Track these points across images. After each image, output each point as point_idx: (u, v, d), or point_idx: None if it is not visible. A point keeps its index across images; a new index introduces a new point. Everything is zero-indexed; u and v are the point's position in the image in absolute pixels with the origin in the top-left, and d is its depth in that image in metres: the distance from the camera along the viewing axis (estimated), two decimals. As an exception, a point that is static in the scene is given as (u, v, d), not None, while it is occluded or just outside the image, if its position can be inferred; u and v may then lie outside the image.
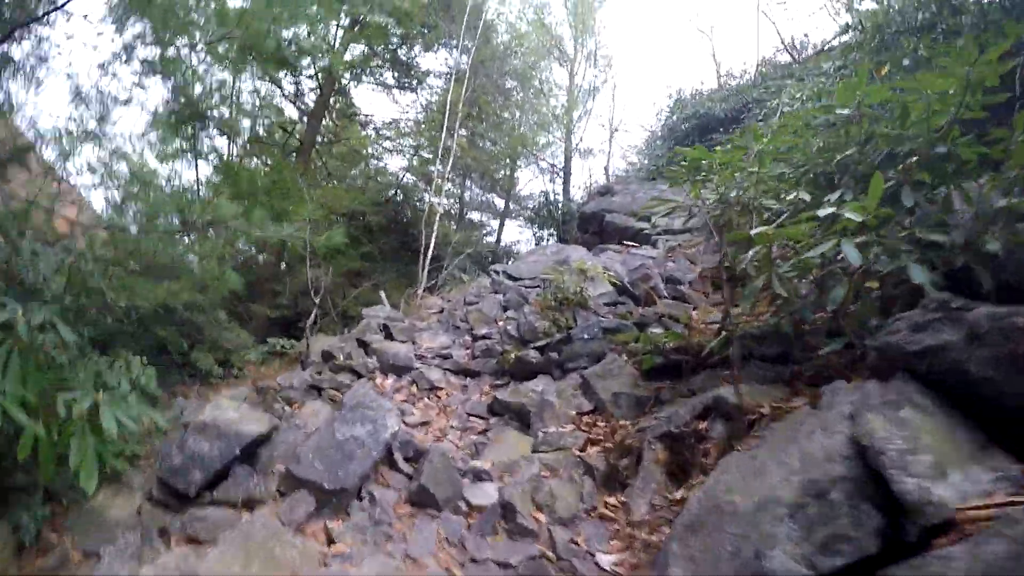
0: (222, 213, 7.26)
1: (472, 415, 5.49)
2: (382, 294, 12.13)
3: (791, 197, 4.66)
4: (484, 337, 7.66)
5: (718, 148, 4.93)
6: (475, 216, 22.89)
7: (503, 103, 18.90)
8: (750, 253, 3.95)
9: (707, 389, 4.65)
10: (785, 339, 4.71)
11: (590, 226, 15.95)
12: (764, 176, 4.65)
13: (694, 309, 7.43)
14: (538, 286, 10.15)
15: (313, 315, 8.79)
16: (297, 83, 16.60)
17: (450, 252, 15.15)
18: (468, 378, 6.59)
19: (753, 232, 3.76)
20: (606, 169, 21.63)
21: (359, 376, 6.22)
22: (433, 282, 13.05)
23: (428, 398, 6.06)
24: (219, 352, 10.25)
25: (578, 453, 4.49)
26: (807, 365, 4.56)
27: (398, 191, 14.67)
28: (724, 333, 4.84)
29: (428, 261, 12.50)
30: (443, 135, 13.06)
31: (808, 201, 4.65)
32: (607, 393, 5.05)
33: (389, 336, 7.49)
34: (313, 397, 5.57)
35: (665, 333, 5.10)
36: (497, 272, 11.33)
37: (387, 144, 15.56)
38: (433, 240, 12.63)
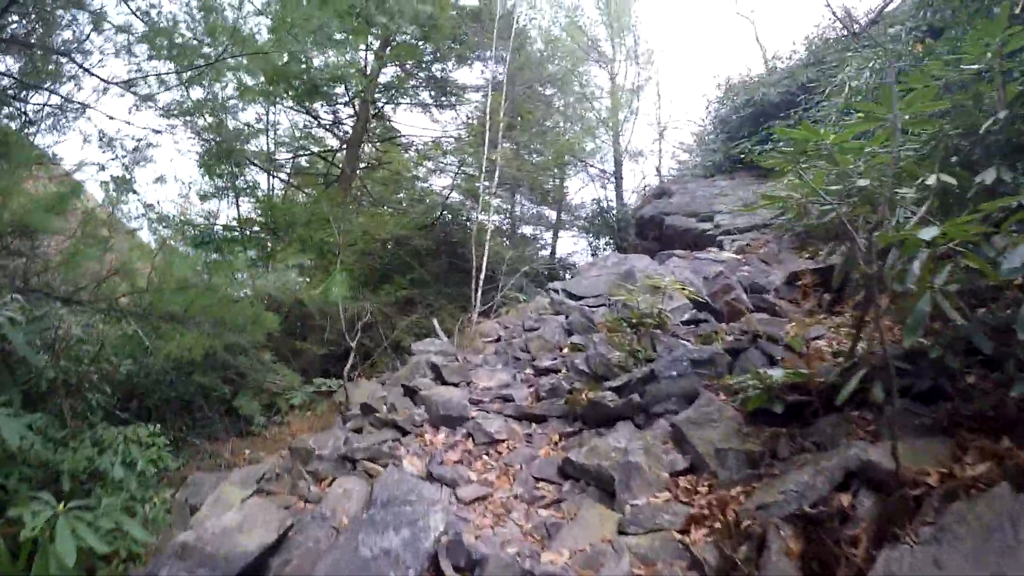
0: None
1: (540, 479, 4.46)
2: (435, 323, 11.26)
3: (929, 181, 3.52)
4: (548, 371, 6.64)
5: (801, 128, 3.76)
6: (527, 231, 21.99)
7: (545, 111, 17.95)
8: (915, 263, 2.82)
9: (837, 440, 3.53)
10: (939, 369, 3.56)
11: (649, 231, 14.79)
12: (901, 155, 3.53)
13: (789, 323, 6.25)
14: (603, 304, 9.07)
15: (351, 360, 7.94)
16: (335, 111, 16.04)
17: (504, 271, 14.23)
18: (533, 424, 5.57)
19: (922, 233, 2.65)
20: (658, 170, 20.43)
21: (404, 433, 5.28)
22: (488, 305, 12.11)
23: (487, 454, 5.07)
24: (264, 396, 9.58)
25: (679, 536, 3.41)
26: (967, 404, 3.41)
27: (443, 211, 13.76)
28: (855, 363, 3.72)
29: (481, 282, 11.57)
30: (485, 148, 12.16)
31: (955, 185, 3.50)
32: (706, 446, 3.97)
33: (439, 378, 6.55)
34: (346, 470, 4.64)
35: (786, 373, 3.96)
36: (556, 291, 10.31)
37: (430, 164, 14.75)
38: (485, 260, 11.70)
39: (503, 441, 5.19)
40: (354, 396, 6.39)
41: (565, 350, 7.46)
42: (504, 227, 20.37)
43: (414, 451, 4.96)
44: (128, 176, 12.20)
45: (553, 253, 21.71)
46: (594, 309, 8.81)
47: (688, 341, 6.17)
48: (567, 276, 21.81)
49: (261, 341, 9.54)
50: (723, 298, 7.04)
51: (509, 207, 20.86)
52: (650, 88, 23.66)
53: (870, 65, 11.05)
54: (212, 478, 5.01)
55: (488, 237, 11.86)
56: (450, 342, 10.09)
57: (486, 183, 12.65)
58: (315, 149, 16.52)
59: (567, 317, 8.65)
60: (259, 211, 12.54)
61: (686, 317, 6.93)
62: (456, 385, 6.42)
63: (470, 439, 5.27)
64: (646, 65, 21.76)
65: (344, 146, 15.57)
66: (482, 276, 11.52)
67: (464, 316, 11.33)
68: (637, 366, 5.33)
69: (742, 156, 14.66)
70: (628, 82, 21.42)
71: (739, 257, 12.03)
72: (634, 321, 5.97)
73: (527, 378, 6.79)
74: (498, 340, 8.85)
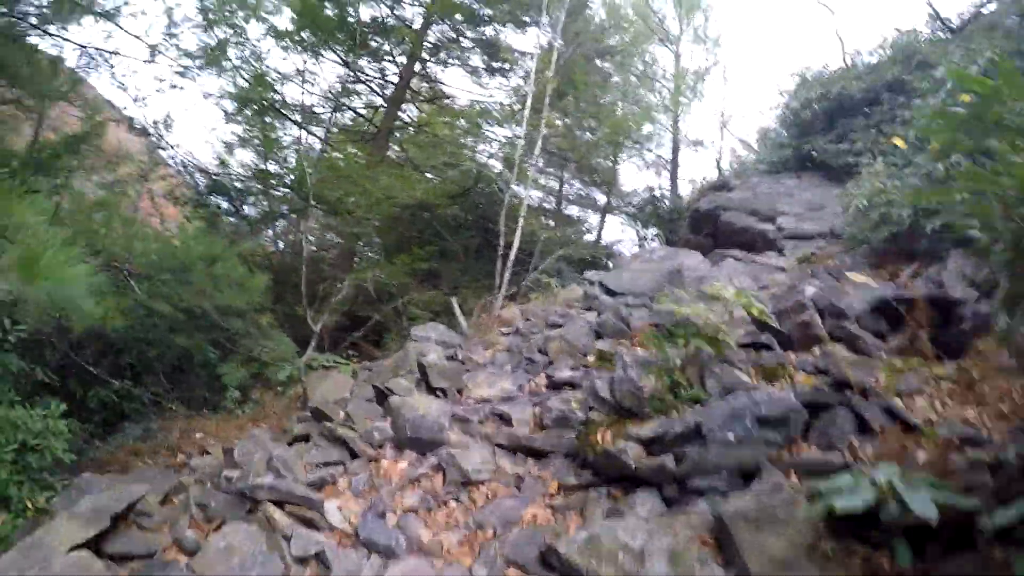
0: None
1: (513, 564, 3.03)
2: (454, 302, 9.91)
3: None
4: (564, 385, 5.19)
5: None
6: (574, 212, 20.39)
7: (601, 86, 16.17)
8: None
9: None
10: None
11: (703, 226, 13.07)
12: None
13: (876, 364, 4.64)
14: (644, 305, 7.56)
15: (311, 345, 6.68)
16: (382, 69, 14.65)
17: (539, 252, 12.77)
18: (529, 460, 4.15)
19: None
20: (717, 163, 18.50)
21: (354, 455, 3.93)
22: (515, 289, 10.66)
23: (458, 500, 3.67)
24: (253, 365, 8.43)
25: None
26: None
27: (479, 180, 12.20)
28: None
29: (511, 262, 10.12)
30: (526, 112, 10.59)
31: None
32: (763, 561, 2.50)
33: (425, 380, 5.16)
34: (242, 512, 3.30)
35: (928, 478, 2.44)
36: (592, 282, 8.79)
37: (466, 127, 13.21)
38: (518, 237, 10.23)
39: (482, 484, 3.78)
40: (321, 389, 5.03)
41: (590, 358, 5.98)
42: (546, 204, 18.88)
43: (357, 486, 3.62)
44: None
45: (598, 239, 20.12)
46: (632, 309, 7.29)
47: (744, 370, 4.63)
48: (609, 264, 20.21)
49: (257, 303, 8.42)
50: (793, 319, 5.43)
51: (557, 184, 19.30)
52: (716, 74, 21.46)
53: (980, 59, 9.07)
54: (103, 482, 3.74)
55: (523, 212, 10.36)
56: (466, 326, 8.75)
57: (524, 151, 11.11)
58: (356, 106, 15.25)
59: (599, 315, 7.18)
60: (279, 164, 11.30)
61: (743, 336, 5.36)
62: (442, 393, 5.03)
63: (440, 474, 3.88)
64: (714, 49, 19.68)
65: (384, 105, 14.25)
66: (512, 255, 10.07)
67: (488, 297, 9.92)
68: (678, 408, 3.81)
69: (814, 153, 12.81)
70: (693, 65, 19.41)
71: (804, 267, 10.30)
72: (681, 342, 4.42)
73: (535, 391, 5.34)
74: (516, 333, 7.43)
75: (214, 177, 11.49)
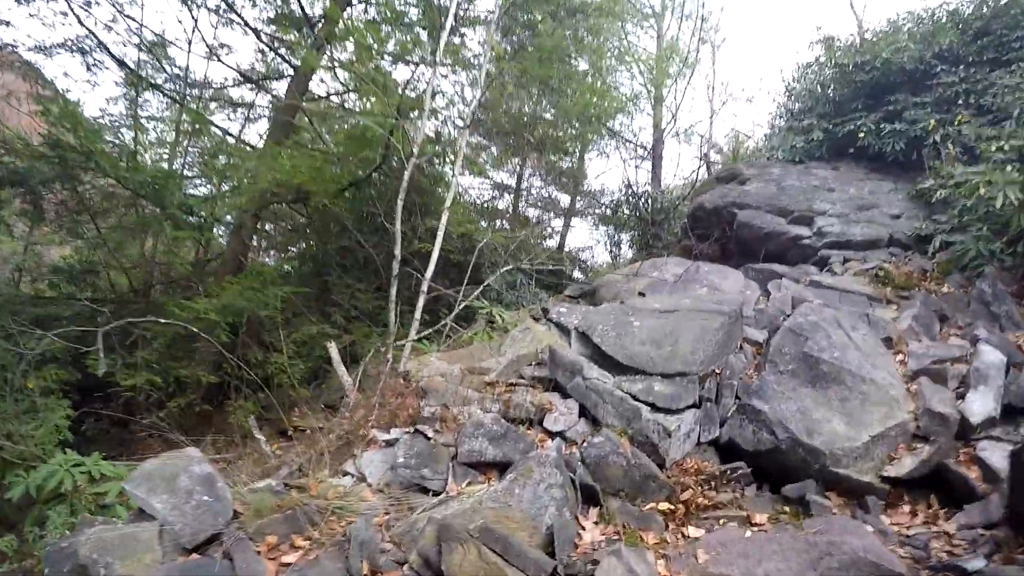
0: None
1: None
2: (332, 349, 5.63)
3: None
4: None
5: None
6: (532, 214, 16.25)
7: (568, 59, 11.98)
8: None
9: None
10: None
11: (710, 230, 9.02)
12: None
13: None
14: (693, 402, 3.48)
15: None
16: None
17: (487, 261, 8.56)
18: None
19: None
20: (706, 155, 14.44)
21: None
22: (444, 323, 6.35)
23: None
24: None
25: None
26: None
27: (386, 157, 7.58)
28: None
29: (427, 281, 5.86)
30: (442, 41, 6.21)
31: None
32: None
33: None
34: None
35: None
36: (564, 326, 4.60)
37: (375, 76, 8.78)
38: (439, 242, 5.96)
39: None
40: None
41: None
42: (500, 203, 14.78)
43: None
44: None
45: (561, 246, 15.99)
46: (667, 418, 3.22)
47: None
48: (576, 272, 16.07)
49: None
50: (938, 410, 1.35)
51: (514, 181, 15.14)
52: (705, 53, 17.31)
53: None
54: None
55: (448, 203, 6.06)
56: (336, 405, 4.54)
57: (423, 115, 6.84)
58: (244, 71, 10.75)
59: (582, 415, 3.15)
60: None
61: None
62: None
63: None
64: (702, 25, 15.65)
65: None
66: (429, 273, 5.83)
67: (388, 342, 5.65)
68: None
69: (862, 136, 8.88)
70: (680, 44, 15.32)
71: (890, 292, 6.29)
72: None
73: None
74: (413, 431, 3.28)
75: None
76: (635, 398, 3.38)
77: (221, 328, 5.88)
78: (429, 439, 3.44)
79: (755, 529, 2.86)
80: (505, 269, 6.60)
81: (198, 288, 7.06)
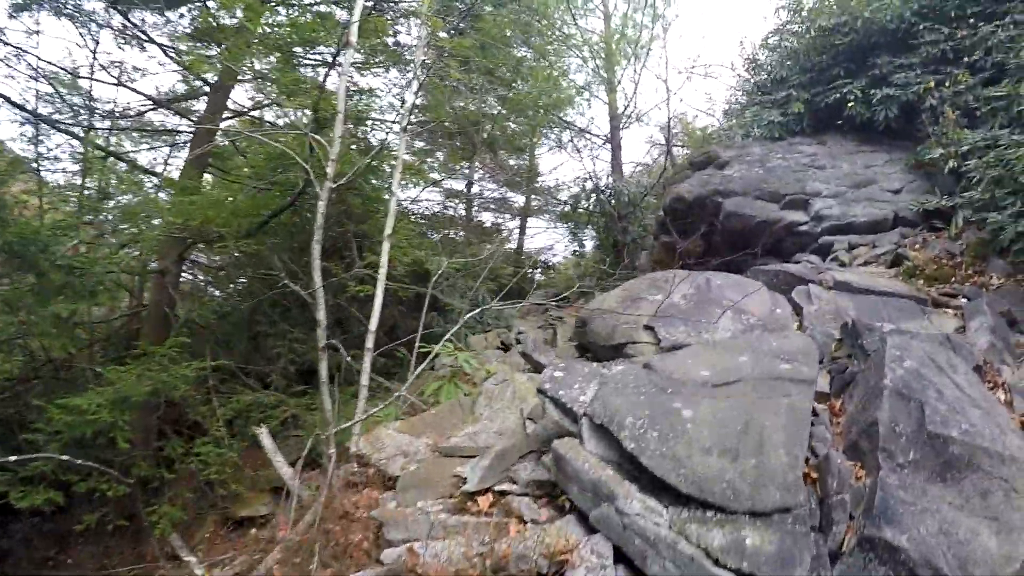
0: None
1: None
2: (264, 436, 4.28)
3: None
4: None
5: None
6: (487, 218, 14.96)
7: (513, 46, 10.69)
8: None
9: None
10: None
11: (694, 222, 7.90)
12: None
13: None
14: (783, 553, 2.15)
15: None
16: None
17: (442, 287, 7.28)
18: None
19: None
20: (667, 139, 13.35)
21: None
22: (398, 395, 4.97)
23: None
24: None
25: None
26: None
27: (308, 179, 6.00)
28: None
29: (372, 334, 4.51)
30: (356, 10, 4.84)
31: None
32: None
33: None
34: None
35: None
36: (565, 407, 3.24)
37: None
38: (381, 285, 4.61)
39: None
40: None
41: None
42: (451, 210, 13.45)
43: None
44: None
45: (520, 249, 14.76)
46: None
47: None
48: (538, 273, 14.82)
49: None
50: None
51: (464, 186, 13.80)
52: (658, 31, 16.14)
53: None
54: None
55: (388, 229, 4.70)
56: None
57: (340, 118, 5.50)
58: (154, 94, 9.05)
59: (624, 561, 1.97)
60: None
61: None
62: None
63: None
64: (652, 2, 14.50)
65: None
66: (373, 323, 4.51)
67: (328, 432, 4.26)
68: None
69: (851, 105, 7.87)
70: (630, 25, 14.11)
71: (922, 288, 5.25)
72: None
73: None
74: None
75: None
76: (716, 561, 2.11)
77: (119, 428, 4.43)
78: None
79: None
80: (469, 315, 5.27)
81: (89, 373, 5.51)
